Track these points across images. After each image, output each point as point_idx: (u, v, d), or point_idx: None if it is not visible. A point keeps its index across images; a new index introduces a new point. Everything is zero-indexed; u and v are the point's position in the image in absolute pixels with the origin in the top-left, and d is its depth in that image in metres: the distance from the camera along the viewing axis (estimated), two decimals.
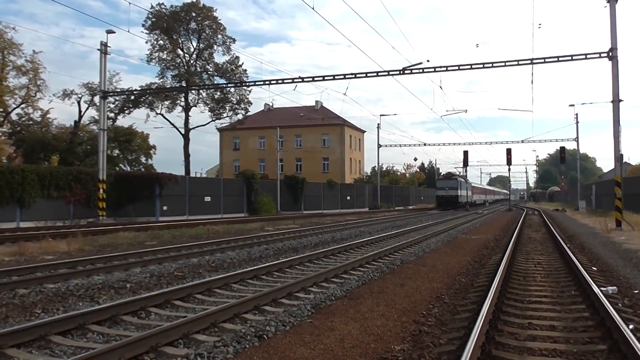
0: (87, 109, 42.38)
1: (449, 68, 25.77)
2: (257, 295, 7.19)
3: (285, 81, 28.47)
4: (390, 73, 26.98)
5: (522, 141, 56.02)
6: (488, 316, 5.71)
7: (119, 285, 8.77)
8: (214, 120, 50.56)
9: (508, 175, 69.19)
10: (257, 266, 10.44)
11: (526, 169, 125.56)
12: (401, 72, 26.58)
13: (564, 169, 68.09)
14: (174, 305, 7.21)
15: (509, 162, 48.66)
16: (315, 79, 28.15)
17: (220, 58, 49.73)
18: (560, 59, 24.11)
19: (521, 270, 10.33)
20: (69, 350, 5.16)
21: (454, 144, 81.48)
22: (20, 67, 36.97)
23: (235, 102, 49.04)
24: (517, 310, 6.79)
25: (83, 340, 5.57)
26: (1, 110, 37.87)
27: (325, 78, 27.96)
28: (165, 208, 33.14)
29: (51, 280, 8.98)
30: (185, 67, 47.64)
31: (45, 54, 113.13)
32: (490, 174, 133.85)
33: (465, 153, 51.67)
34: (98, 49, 28.80)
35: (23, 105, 39.08)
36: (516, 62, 24.94)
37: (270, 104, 64.15)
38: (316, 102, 66.08)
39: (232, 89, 47.62)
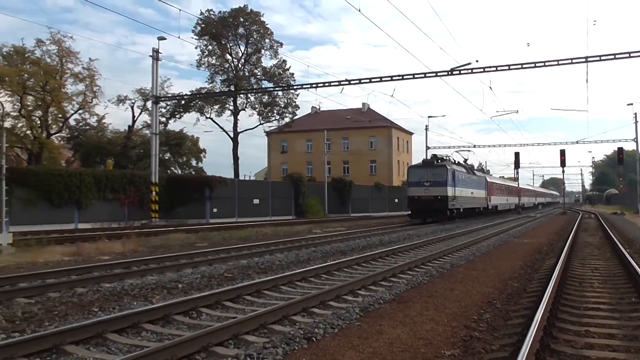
0: (140, 113, 43.86)
1: (498, 68, 25.17)
2: (306, 298, 7.21)
3: (331, 84, 28.51)
4: (438, 74, 26.51)
5: (577, 142, 54.05)
6: (542, 322, 5.52)
7: (171, 285, 8.99)
8: (262, 124, 51.34)
9: (562, 177, 66.75)
10: (305, 268, 10.48)
11: (581, 170, 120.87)
12: (449, 73, 26.10)
13: (622, 171, 64.92)
14: (224, 306, 7.31)
15: (562, 164, 47.02)
16: (362, 81, 28.08)
17: (267, 62, 50.45)
18: (617, 56, 23.18)
19: (577, 276, 9.96)
20: (124, 348, 5.31)
21: (505, 145, 78.65)
22: (77, 75, 38.39)
23: (282, 106, 49.63)
24: (573, 317, 6.54)
25: (138, 338, 5.72)
26: (60, 116, 39.49)
27: (372, 80, 27.79)
28: (215, 210, 33.83)
29: (107, 279, 9.31)
30: (234, 72, 48.51)
31: (99, 61, 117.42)
32: (543, 176, 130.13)
33: (517, 154, 50.33)
34: (150, 55, 29.59)
35: (80, 111, 40.69)
36: (570, 61, 24.11)
37: (317, 107, 64.47)
38: (363, 104, 65.62)
39: (280, 93, 48.19)
